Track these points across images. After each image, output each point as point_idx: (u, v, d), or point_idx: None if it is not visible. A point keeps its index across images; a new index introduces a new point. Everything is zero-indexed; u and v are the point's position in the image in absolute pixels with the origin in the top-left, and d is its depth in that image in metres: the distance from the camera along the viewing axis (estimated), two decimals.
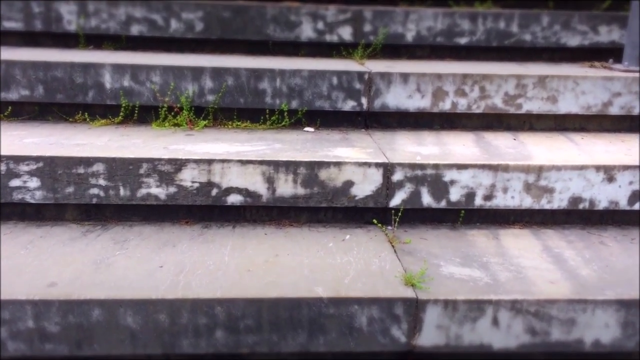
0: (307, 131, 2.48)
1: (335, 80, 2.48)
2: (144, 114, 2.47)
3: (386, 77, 2.49)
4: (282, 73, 2.46)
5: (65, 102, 2.43)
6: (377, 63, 2.79)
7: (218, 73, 2.44)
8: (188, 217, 2.10)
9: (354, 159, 2.07)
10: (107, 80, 2.41)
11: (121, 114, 2.44)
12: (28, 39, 2.86)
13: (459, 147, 2.30)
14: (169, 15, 2.85)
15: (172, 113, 2.46)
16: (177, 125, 2.44)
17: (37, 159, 1.96)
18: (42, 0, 2.78)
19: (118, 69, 2.40)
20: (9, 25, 2.79)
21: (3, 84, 2.37)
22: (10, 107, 2.41)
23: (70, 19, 2.81)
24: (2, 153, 1.96)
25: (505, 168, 2.08)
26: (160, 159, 2.00)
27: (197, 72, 2.44)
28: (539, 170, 2.09)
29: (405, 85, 2.50)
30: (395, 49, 3.01)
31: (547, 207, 2.13)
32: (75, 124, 2.41)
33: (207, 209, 2.09)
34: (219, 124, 2.50)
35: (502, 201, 2.12)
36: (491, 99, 2.54)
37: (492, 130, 2.59)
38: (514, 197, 2.11)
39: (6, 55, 2.51)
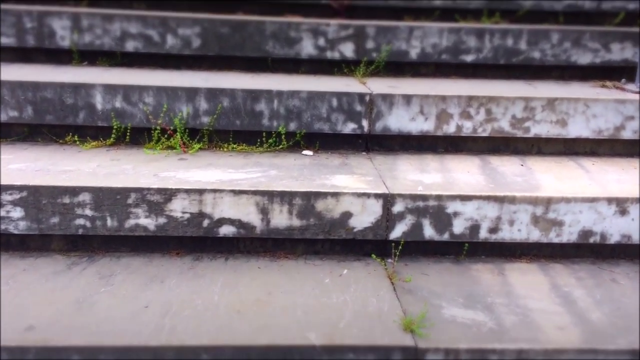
0: (306, 155, 2.38)
1: (335, 102, 2.39)
2: (136, 135, 2.39)
3: (388, 99, 2.39)
4: (280, 94, 2.37)
5: (55, 124, 2.35)
6: (379, 82, 2.69)
7: (213, 94, 2.35)
8: (179, 248, 2.01)
9: (353, 189, 1.97)
10: (99, 101, 2.32)
11: (113, 135, 2.36)
12: (21, 54, 2.78)
13: (463, 174, 2.19)
14: (165, 31, 2.76)
15: (166, 135, 2.37)
16: (170, 147, 2.35)
17: (20, 188, 1.87)
18: (34, 16, 2.70)
19: (110, 89, 2.32)
20: (0, 40, 2.71)
21: None
22: None
23: (63, 34, 2.73)
24: None
25: (512, 200, 1.98)
26: (149, 189, 1.91)
27: (191, 93, 2.35)
28: (548, 202, 1.99)
29: (408, 107, 2.40)
30: (398, 66, 2.91)
31: (556, 240, 2.03)
32: (65, 146, 2.33)
33: (198, 240, 2.00)
34: (214, 146, 2.41)
35: (508, 234, 2.01)
36: (498, 122, 2.44)
37: (499, 154, 2.49)
38: (520, 230, 2.01)
39: None
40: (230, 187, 1.94)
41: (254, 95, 2.36)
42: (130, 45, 2.76)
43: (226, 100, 2.36)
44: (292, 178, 2.06)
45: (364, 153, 2.45)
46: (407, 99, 2.40)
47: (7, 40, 2.71)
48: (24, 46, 2.74)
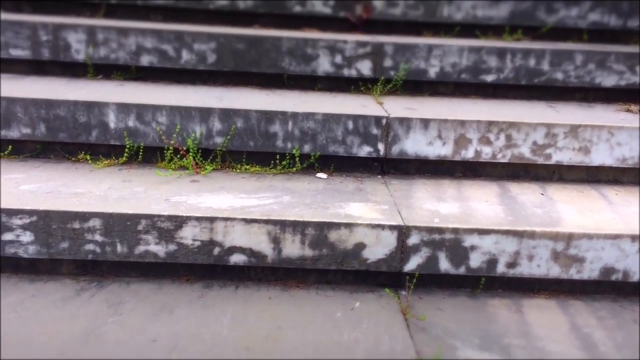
0: (320, 178, 2.34)
1: (350, 125, 2.34)
2: (149, 154, 2.36)
3: (405, 122, 2.34)
4: (295, 116, 2.33)
5: (68, 141, 2.33)
6: (396, 101, 2.64)
7: (227, 115, 2.32)
8: (189, 274, 1.97)
9: (367, 219, 1.92)
10: (112, 119, 2.30)
11: (125, 154, 2.33)
12: (36, 66, 2.76)
13: (481, 203, 2.13)
14: (180, 45, 2.73)
15: (178, 155, 2.34)
16: (183, 167, 2.32)
17: (31, 212, 1.85)
18: (50, 29, 2.68)
19: (123, 108, 2.29)
20: (15, 53, 2.70)
21: (4, 121, 2.27)
22: (10, 146, 2.32)
23: (78, 48, 2.71)
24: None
25: (532, 235, 1.92)
26: (160, 215, 1.88)
27: (205, 113, 2.31)
28: (569, 238, 1.92)
29: (426, 131, 2.35)
30: (417, 85, 2.85)
31: (577, 277, 1.96)
32: (77, 164, 2.31)
33: (209, 267, 1.96)
34: (227, 166, 2.37)
35: (527, 269, 1.95)
36: (518, 148, 2.37)
37: (518, 180, 2.42)
38: (540, 266, 1.94)
39: (9, 87, 2.41)
40: (242, 215, 1.90)
41: (269, 116, 2.32)
42: (145, 60, 2.74)
43: (240, 121, 2.32)
44: (305, 205, 2.02)
45: (379, 177, 2.40)
46: (425, 123, 2.34)
47: (22, 53, 2.70)
48: (39, 59, 2.72)
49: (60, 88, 2.49)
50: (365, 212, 1.99)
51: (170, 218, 1.88)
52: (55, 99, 2.28)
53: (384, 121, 2.34)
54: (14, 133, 2.29)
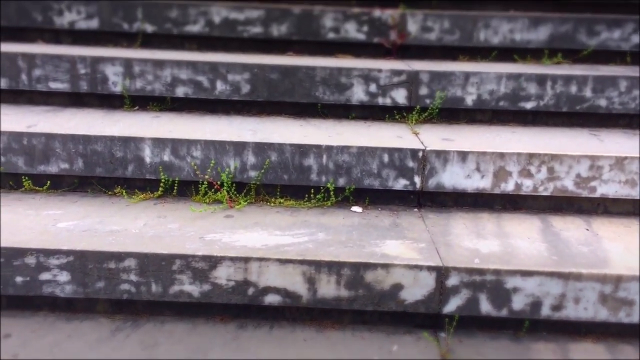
0: (355, 211, 2.30)
1: (386, 158, 2.30)
2: (183, 188, 2.36)
3: (442, 155, 2.29)
4: (329, 149, 2.30)
5: (104, 176, 2.35)
6: (432, 131, 2.58)
7: (261, 148, 2.30)
8: (223, 314, 1.95)
9: (405, 259, 1.87)
10: (147, 154, 2.31)
11: (160, 188, 2.34)
12: (74, 99, 2.81)
13: (523, 241, 2.06)
14: (214, 77, 2.73)
15: (213, 190, 2.33)
16: (217, 201, 2.31)
17: (67, 253, 1.86)
18: (88, 62, 2.72)
19: (158, 143, 2.30)
20: (54, 85, 2.75)
21: (43, 157, 2.31)
22: (49, 181, 2.35)
23: (115, 80, 2.74)
24: (34, 244, 1.87)
25: (578, 277, 1.83)
26: (194, 256, 1.86)
27: (239, 147, 2.31)
28: (617, 280, 1.83)
29: (464, 164, 2.29)
30: (453, 112, 2.79)
31: (626, 320, 1.86)
32: (113, 199, 2.32)
33: (243, 307, 1.94)
34: (260, 199, 2.35)
35: (573, 312, 1.86)
36: (561, 180, 2.29)
37: (561, 213, 2.33)
38: (587, 309, 1.86)
39: (48, 122, 2.46)
40: (277, 255, 1.87)
41: (303, 150, 2.30)
42: (181, 91, 2.75)
43: (274, 154, 2.31)
44: (341, 244, 1.98)
45: (415, 210, 2.35)
46: (463, 155, 2.28)
47: (61, 85, 2.75)
48: (77, 91, 2.76)
49: (97, 122, 2.52)
50: (402, 251, 1.93)
51: (204, 258, 1.86)
52: (93, 134, 2.31)
53: (420, 154, 2.29)
54: (52, 168, 2.33)
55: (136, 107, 2.81)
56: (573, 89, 2.72)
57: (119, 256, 1.86)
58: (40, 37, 3.27)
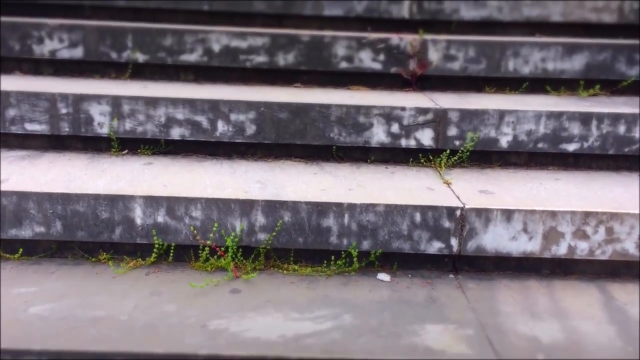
0: (382, 280, 1.96)
1: (418, 217, 1.97)
2: (180, 252, 2.02)
3: (483, 214, 1.96)
4: (352, 208, 1.97)
5: (87, 240, 2.00)
6: (465, 178, 2.26)
7: (272, 208, 1.97)
8: None
9: (452, 355, 1.54)
10: (138, 215, 1.97)
11: (154, 254, 1.99)
12: (54, 142, 2.46)
13: (586, 323, 1.73)
14: (215, 116, 2.40)
15: (215, 256, 1.99)
16: (220, 269, 1.97)
17: (40, 354, 1.51)
18: (70, 100, 2.38)
19: (151, 202, 1.96)
20: (32, 127, 2.40)
21: (14, 220, 1.96)
22: (22, 248, 2.00)
23: (101, 121, 2.40)
24: (1, 344, 1.52)
25: None
26: (196, 356, 1.52)
27: (246, 206, 1.97)
28: None
29: (508, 224, 1.96)
30: (485, 155, 2.47)
31: None
32: (97, 267, 1.97)
33: None
34: (271, 265, 2.02)
35: None
36: (621, 243, 1.97)
37: (619, 278, 2.02)
38: None
39: (22, 174, 2.11)
40: (297, 352, 1.53)
41: (321, 209, 1.97)
42: (176, 133, 2.42)
43: (287, 214, 1.97)
44: (373, 331, 1.64)
45: (451, 276, 2.02)
46: (508, 214, 1.96)
47: (39, 127, 2.41)
48: (57, 133, 2.42)
49: (80, 172, 2.18)
50: (448, 343, 1.60)
51: (209, 358, 1.52)
52: (74, 192, 1.96)
53: (457, 213, 1.96)
54: (26, 232, 1.98)
55: (125, 151, 2.46)
56: (621, 129, 2.40)
57: (104, 357, 1.51)
58: (18, 68, 2.91)
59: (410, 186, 2.17)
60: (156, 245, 1.99)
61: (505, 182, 2.26)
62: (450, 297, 1.87)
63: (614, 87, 2.87)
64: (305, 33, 2.86)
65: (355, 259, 2.00)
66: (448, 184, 2.21)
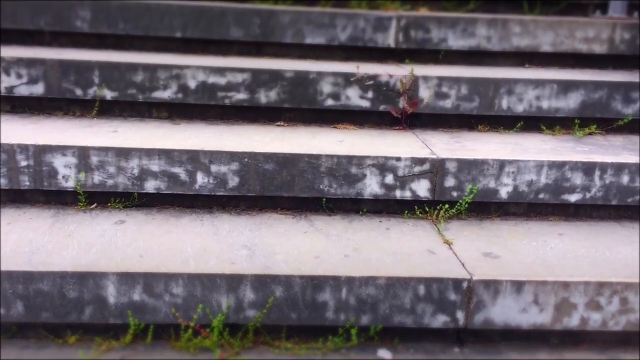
0: (383, 358, 1.80)
1: (421, 290, 1.81)
2: (159, 331, 1.82)
3: (492, 286, 1.82)
4: (350, 281, 1.80)
5: (53, 322, 1.77)
6: (465, 234, 2.12)
7: (262, 282, 1.78)
8: None
9: None
10: (111, 293, 1.75)
11: (129, 334, 1.78)
12: (13, 196, 2.21)
13: None
14: (195, 168, 2.19)
15: (199, 337, 1.79)
16: (205, 350, 1.78)
17: None
18: (30, 153, 2.14)
19: (126, 279, 1.75)
20: None
21: None
22: None
23: (67, 174, 2.16)
24: None
25: None
26: None
27: (233, 282, 1.78)
28: None
29: (518, 296, 1.83)
30: (483, 206, 2.34)
31: None
32: (64, 350, 1.75)
33: None
34: (261, 342, 1.83)
35: None
36: (635, 313, 1.85)
37: (630, 347, 1.90)
38: None
39: None
40: None
41: (316, 282, 1.79)
42: (151, 186, 2.20)
43: (279, 289, 1.79)
44: None
45: (456, 349, 1.87)
46: (518, 286, 1.82)
47: None
48: (17, 188, 2.18)
49: (43, 238, 1.94)
50: None
51: None
52: (37, 270, 1.73)
53: (464, 285, 1.81)
54: None
55: (94, 205, 2.23)
56: (625, 179, 2.30)
57: None
58: None
59: (409, 249, 2.01)
60: (132, 326, 1.77)
61: (509, 240, 2.13)
62: None
63: (609, 125, 2.77)
64: (289, 68, 2.67)
65: (354, 336, 1.83)
66: (449, 244, 2.06)
